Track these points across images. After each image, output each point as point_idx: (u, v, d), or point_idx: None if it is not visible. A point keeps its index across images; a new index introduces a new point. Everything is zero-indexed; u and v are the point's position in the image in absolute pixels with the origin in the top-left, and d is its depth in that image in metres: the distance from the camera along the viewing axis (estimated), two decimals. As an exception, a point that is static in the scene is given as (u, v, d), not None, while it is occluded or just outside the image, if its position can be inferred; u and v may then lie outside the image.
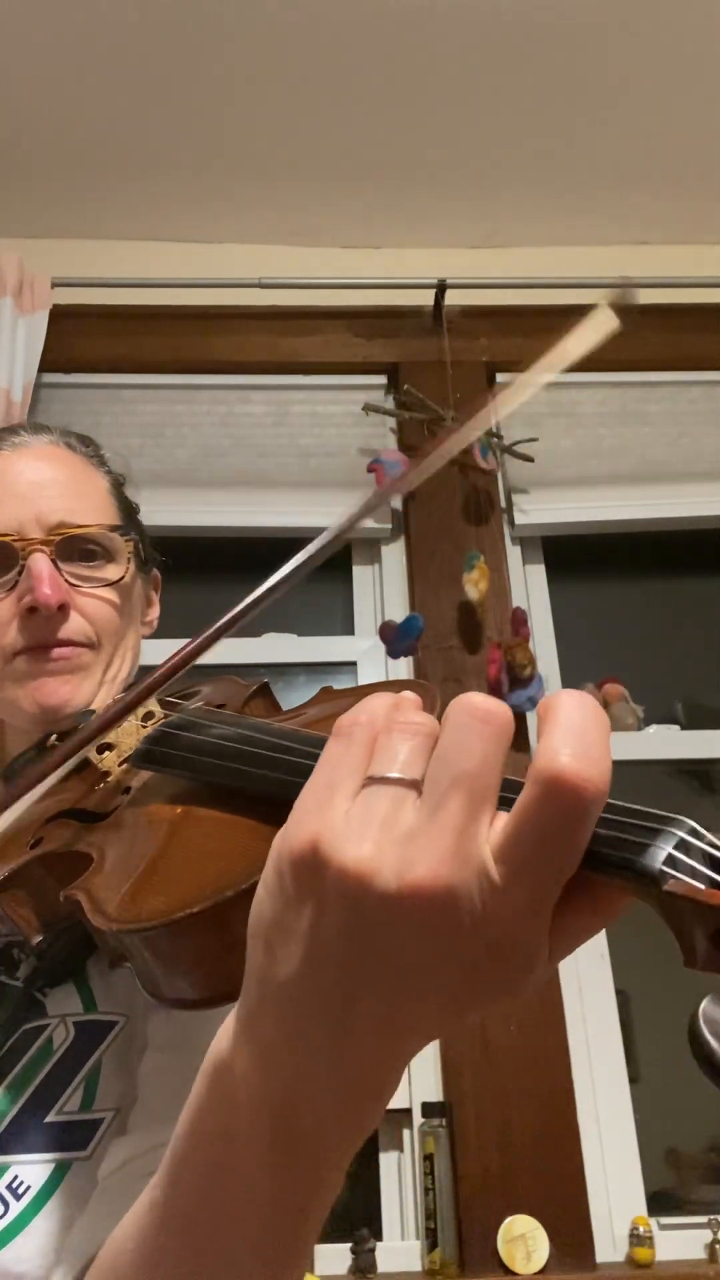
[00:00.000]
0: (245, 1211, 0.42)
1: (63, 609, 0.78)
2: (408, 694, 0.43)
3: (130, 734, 0.64)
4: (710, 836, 0.35)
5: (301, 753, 0.49)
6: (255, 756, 0.51)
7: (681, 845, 0.34)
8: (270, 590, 0.55)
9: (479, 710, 0.36)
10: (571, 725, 0.34)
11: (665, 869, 0.33)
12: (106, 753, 0.65)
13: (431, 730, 0.39)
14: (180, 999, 0.47)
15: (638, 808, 0.36)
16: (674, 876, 0.33)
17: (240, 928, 0.42)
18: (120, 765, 0.65)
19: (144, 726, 0.63)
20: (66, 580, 0.79)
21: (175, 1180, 0.45)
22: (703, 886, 0.33)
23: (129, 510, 0.89)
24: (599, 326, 0.54)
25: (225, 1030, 0.42)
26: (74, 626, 0.79)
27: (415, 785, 0.37)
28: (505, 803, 0.35)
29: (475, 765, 0.36)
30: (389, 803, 0.37)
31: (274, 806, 0.46)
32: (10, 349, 2.15)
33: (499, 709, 0.37)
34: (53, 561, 0.78)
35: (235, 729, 0.56)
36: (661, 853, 0.33)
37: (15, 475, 0.81)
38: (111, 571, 0.82)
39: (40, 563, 0.77)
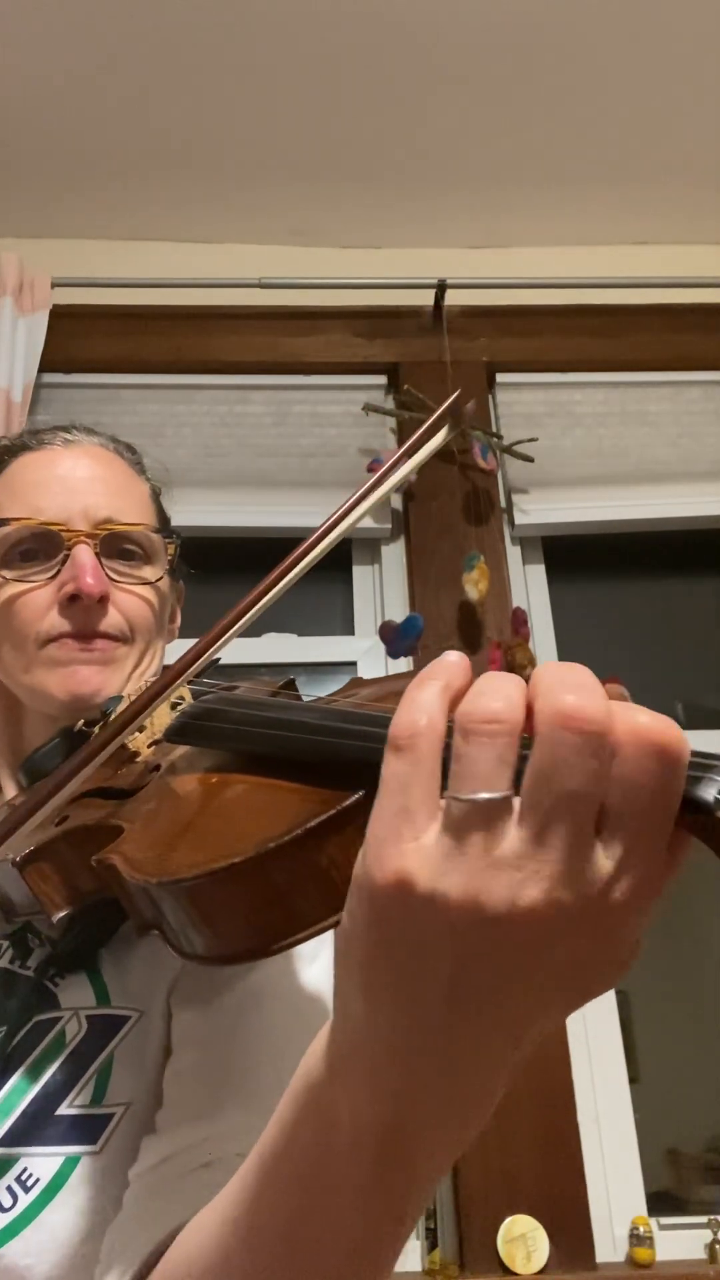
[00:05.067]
0: (340, 1224, 0.41)
1: (102, 601, 0.79)
2: (453, 661, 0.39)
3: (161, 716, 0.65)
4: None
5: (337, 715, 0.49)
6: (291, 722, 0.52)
7: None
8: (314, 545, 0.56)
9: (576, 720, 0.33)
10: (619, 701, 0.35)
11: None
12: (137, 734, 0.66)
13: (514, 724, 0.35)
14: (215, 955, 0.47)
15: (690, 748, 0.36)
16: None
17: (279, 881, 0.42)
18: (150, 746, 0.65)
19: (175, 709, 0.64)
20: (107, 574, 0.81)
21: (260, 1195, 0.44)
22: None
23: (165, 520, 0.92)
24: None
25: (320, 1051, 0.41)
26: (111, 620, 0.80)
27: (507, 801, 0.34)
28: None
29: (580, 784, 0.33)
30: (483, 825, 0.34)
31: (311, 768, 0.47)
32: (10, 349, 2.15)
33: (598, 713, 0.33)
34: (96, 555, 0.80)
35: (269, 701, 0.57)
36: (715, 784, 0.35)
37: (67, 469, 0.84)
38: (149, 572, 0.84)
39: (85, 554, 0.79)
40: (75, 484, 0.83)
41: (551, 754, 0.33)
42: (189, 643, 0.57)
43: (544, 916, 0.33)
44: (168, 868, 0.47)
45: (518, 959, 0.34)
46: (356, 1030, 0.39)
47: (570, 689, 0.34)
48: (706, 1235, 1.69)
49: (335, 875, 0.41)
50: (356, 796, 0.43)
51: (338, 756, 0.46)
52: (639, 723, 0.33)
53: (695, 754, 0.36)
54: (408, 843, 0.35)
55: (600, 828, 0.34)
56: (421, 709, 0.37)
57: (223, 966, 0.48)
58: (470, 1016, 0.36)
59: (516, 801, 0.34)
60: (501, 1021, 0.36)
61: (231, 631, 0.54)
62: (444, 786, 0.36)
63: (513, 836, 0.34)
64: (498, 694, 0.35)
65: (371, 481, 0.59)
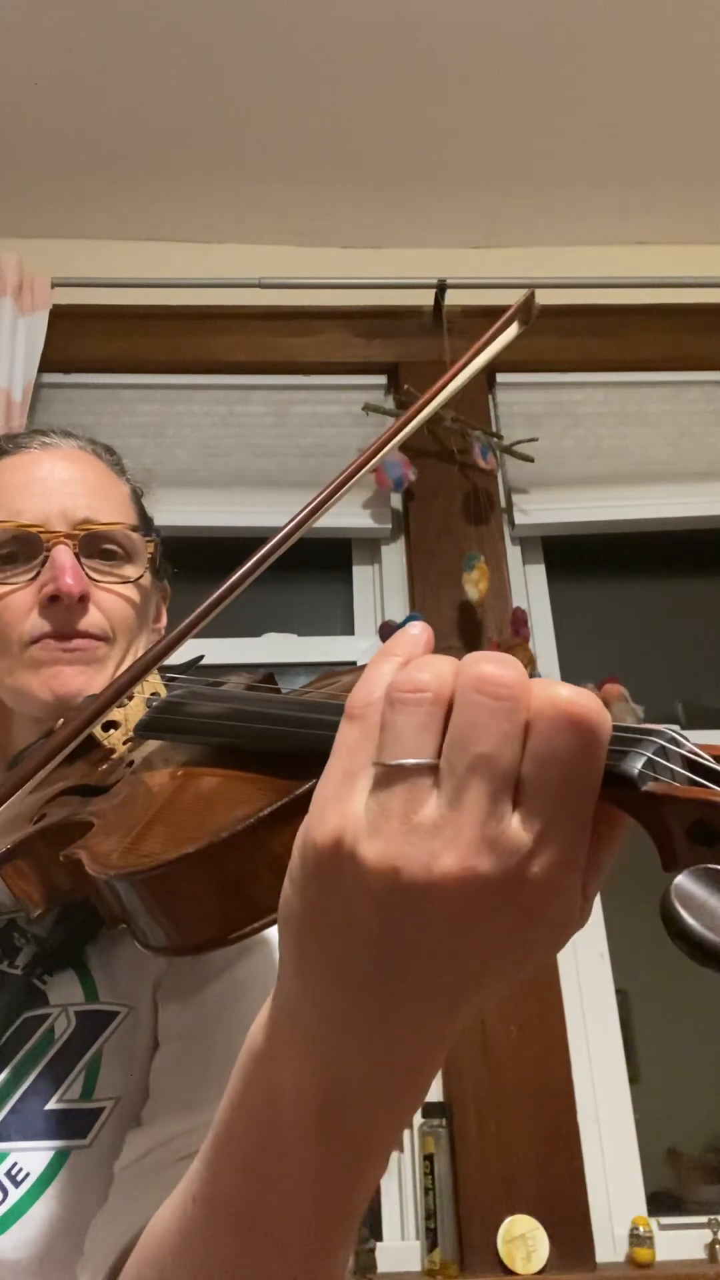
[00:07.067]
0: (292, 1197, 0.42)
1: (83, 600, 0.80)
2: (413, 635, 0.40)
3: (136, 711, 0.65)
4: (689, 743, 0.36)
5: (299, 705, 0.50)
6: (255, 714, 0.52)
7: (660, 751, 0.35)
8: (273, 549, 0.56)
9: (489, 684, 0.34)
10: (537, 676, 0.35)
11: (645, 772, 0.34)
12: (112, 730, 0.67)
13: (439, 695, 0.36)
14: (174, 945, 0.47)
15: (621, 723, 0.36)
16: (653, 778, 0.34)
17: (236, 870, 0.43)
18: (125, 742, 0.66)
19: (149, 705, 0.65)
20: (87, 574, 0.81)
21: (215, 1172, 0.45)
22: (679, 785, 0.34)
23: (147, 519, 0.92)
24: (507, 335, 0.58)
25: (262, 1022, 0.42)
26: (92, 619, 0.81)
27: (430, 768, 0.35)
28: None
29: (492, 746, 0.34)
30: (404, 791, 0.35)
31: (274, 759, 0.48)
32: (10, 349, 2.15)
33: (510, 678, 0.35)
34: (75, 555, 0.81)
35: (237, 694, 0.58)
36: (641, 758, 0.35)
37: (45, 472, 0.85)
38: (130, 571, 0.85)
39: (64, 554, 0.80)
40: (53, 486, 0.83)
41: (466, 716, 0.35)
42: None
43: (460, 886, 0.34)
44: (126, 861, 0.47)
45: (442, 931, 0.34)
46: (292, 997, 0.39)
47: (490, 661, 0.35)
48: (706, 1235, 1.70)
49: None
50: (309, 785, 0.43)
51: (297, 747, 0.47)
52: (556, 694, 0.34)
53: (623, 728, 0.36)
54: (345, 802, 0.36)
55: (518, 800, 0.34)
56: (378, 682, 0.38)
57: (183, 957, 0.49)
58: (400, 988, 0.36)
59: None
60: (432, 994, 0.36)
61: (211, 615, 0.55)
62: None
63: (431, 803, 0.35)
64: (427, 668, 0.37)
65: (428, 395, 0.60)
